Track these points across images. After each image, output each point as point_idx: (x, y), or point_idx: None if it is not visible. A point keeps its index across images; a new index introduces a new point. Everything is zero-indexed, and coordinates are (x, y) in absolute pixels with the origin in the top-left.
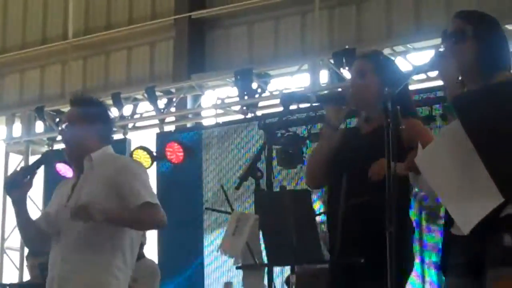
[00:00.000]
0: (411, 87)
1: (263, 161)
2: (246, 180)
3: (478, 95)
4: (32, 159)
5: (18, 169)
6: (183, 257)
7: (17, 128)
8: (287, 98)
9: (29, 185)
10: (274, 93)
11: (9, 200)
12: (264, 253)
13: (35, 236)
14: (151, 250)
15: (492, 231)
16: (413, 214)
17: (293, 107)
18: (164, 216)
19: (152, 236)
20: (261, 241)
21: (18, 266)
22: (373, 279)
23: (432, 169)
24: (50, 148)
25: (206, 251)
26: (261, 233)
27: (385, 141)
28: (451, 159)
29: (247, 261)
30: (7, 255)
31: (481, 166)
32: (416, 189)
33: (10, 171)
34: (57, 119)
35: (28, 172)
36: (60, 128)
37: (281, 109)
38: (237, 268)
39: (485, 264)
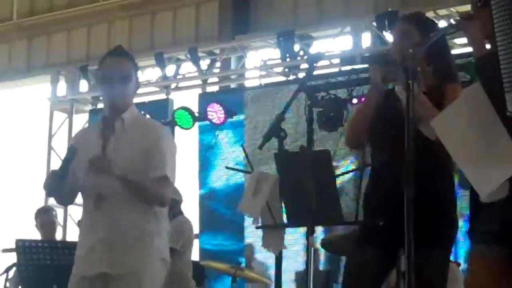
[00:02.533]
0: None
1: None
2: (269, 140)
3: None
4: (76, 117)
5: (51, 173)
6: (224, 217)
7: (62, 87)
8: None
9: (65, 183)
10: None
11: (53, 158)
12: (284, 214)
13: (70, 194)
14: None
15: None
16: None
17: (331, 70)
18: (169, 196)
19: (195, 195)
20: (281, 202)
21: (62, 223)
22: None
23: (449, 131)
24: (94, 107)
25: None
26: (281, 193)
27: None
28: (470, 122)
29: (266, 221)
30: None
31: (502, 129)
32: None
33: (54, 129)
34: None
35: (62, 173)
36: (108, 81)
37: (323, 71)
38: (257, 228)
39: None
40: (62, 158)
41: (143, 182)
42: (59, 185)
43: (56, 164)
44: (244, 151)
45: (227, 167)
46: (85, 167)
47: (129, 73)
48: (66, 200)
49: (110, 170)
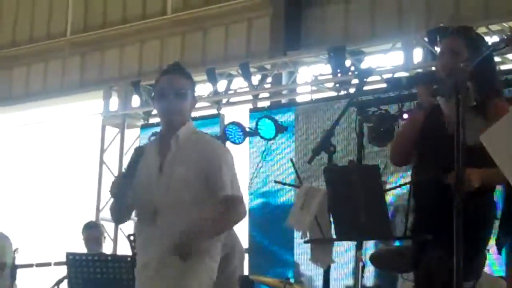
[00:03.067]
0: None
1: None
2: (319, 154)
3: None
4: (128, 132)
5: (119, 175)
6: (274, 234)
7: (114, 102)
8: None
9: (131, 184)
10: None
11: (105, 172)
12: (332, 228)
13: (127, 212)
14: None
15: None
16: None
17: (382, 85)
18: (245, 208)
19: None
20: (330, 216)
21: (112, 237)
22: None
23: (498, 146)
24: (146, 122)
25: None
26: (329, 207)
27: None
28: None
29: (315, 236)
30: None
31: None
32: None
33: (106, 144)
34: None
35: (129, 175)
36: (164, 97)
37: (374, 87)
38: (305, 242)
39: None
40: (129, 160)
41: (216, 220)
42: (125, 188)
43: (108, 179)
44: (293, 165)
45: (275, 181)
46: (144, 183)
47: (184, 89)
48: (122, 215)
49: (195, 251)
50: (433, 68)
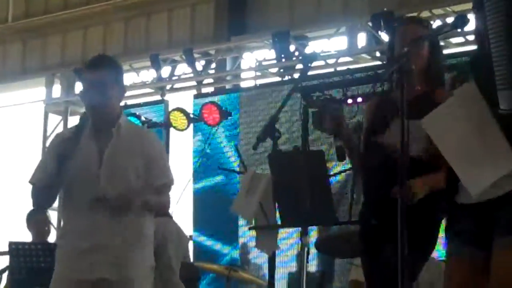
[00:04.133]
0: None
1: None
2: (264, 140)
3: None
4: (71, 119)
5: (65, 139)
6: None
7: (57, 89)
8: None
9: (73, 153)
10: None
11: None
12: (277, 214)
13: (55, 195)
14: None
15: (506, 199)
16: None
17: (326, 70)
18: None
19: (188, 198)
20: (274, 202)
21: (55, 225)
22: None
23: (440, 130)
24: None
25: None
26: (274, 193)
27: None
28: (463, 121)
29: (260, 222)
30: None
31: (496, 128)
32: None
33: (49, 131)
34: None
35: (76, 140)
36: (87, 90)
37: (318, 71)
38: (250, 228)
39: (494, 233)
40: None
41: (154, 198)
42: (70, 152)
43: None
44: (238, 151)
45: (220, 168)
46: (82, 170)
47: (106, 82)
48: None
49: (131, 207)
50: (378, 54)
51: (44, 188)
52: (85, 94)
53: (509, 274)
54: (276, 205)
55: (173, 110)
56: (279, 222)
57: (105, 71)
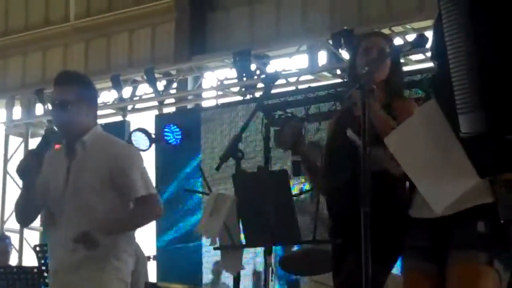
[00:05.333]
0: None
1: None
2: (226, 160)
3: None
4: (32, 141)
5: (28, 154)
6: (182, 240)
7: (17, 111)
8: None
9: (40, 167)
10: (267, 74)
11: (9, 182)
12: (242, 234)
13: (33, 212)
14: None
15: (463, 217)
16: None
17: (288, 88)
18: (160, 207)
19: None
20: (239, 222)
21: (17, 248)
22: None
23: (403, 147)
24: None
25: None
26: (239, 213)
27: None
28: (425, 138)
29: (224, 242)
30: None
31: (457, 145)
32: None
33: (10, 154)
34: None
35: (38, 155)
36: (52, 109)
37: (278, 90)
38: (215, 249)
39: (449, 247)
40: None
41: (123, 219)
42: (34, 168)
43: (12, 189)
44: (202, 173)
45: (186, 190)
46: (53, 187)
47: (70, 99)
48: (28, 212)
49: (96, 244)
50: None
51: (16, 205)
52: (51, 112)
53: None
54: (241, 225)
55: (135, 130)
56: (243, 242)
57: (68, 88)
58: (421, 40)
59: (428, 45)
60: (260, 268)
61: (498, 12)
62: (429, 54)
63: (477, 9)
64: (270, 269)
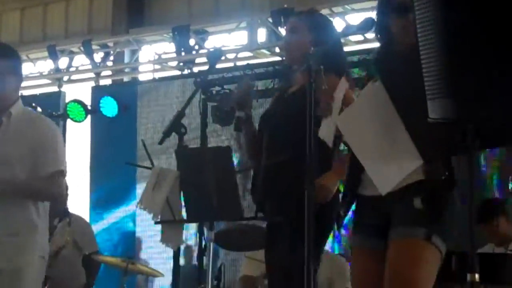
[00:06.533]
0: (348, 48)
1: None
2: (169, 135)
3: (402, 56)
4: None
5: None
6: (116, 214)
7: None
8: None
9: None
10: (211, 50)
11: None
12: (183, 209)
13: None
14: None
15: (402, 194)
16: None
17: (226, 65)
18: (62, 188)
19: (85, 189)
20: (181, 197)
21: None
22: (293, 239)
23: (351, 128)
24: None
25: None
26: (181, 189)
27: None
28: (372, 120)
29: (166, 217)
30: None
31: (402, 128)
32: None
33: None
34: None
35: None
36: None
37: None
38: (156, 223)
39: (391, 224)
40: None
41: (31, 183)
42: None
43: None
44: (145, 147)
45: (127, 163)
46: None
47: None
48: None
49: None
50: (277, 49)
51: None
52: None
53: (400, 263)
54: (183, 200)
55: (70, 101)
56: (185, 217)
57: (1, 60)
58: (367, 24)
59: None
60: (191, 241)
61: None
62: (368, 35)
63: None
64: (211, 244)
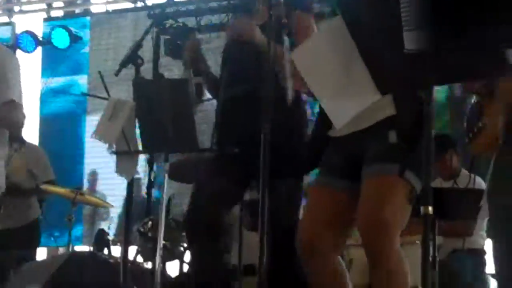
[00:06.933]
0: None
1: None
2: (126, 66)
3: None
4: None
5: None
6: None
7: None
8: None
9: None
10: None
11: None
12: (139, 140)
13: None
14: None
15: (376, 129)
16: None
17: None
18: (20, 117)
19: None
20: (137, 128)
21: None
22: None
23: (308, 64)
24: None
25: (87, 132)
26: (137, 120)
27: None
28: (330, 55)
29: (121, 147)
30: None
31: (361, 63)
32: None
33: None
34: None
35: None
36: None
37: None
38: (111, 153)
39: (362, 163)
40: None
41: None
42: None
43: None
44: (101, 78)
45: (83, 93)
46: None
47: None
48: None
49: None
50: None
51: None
52: None
53: (372, 201)
54: (138, 131)
55: (22, 32)
56: (140, 149)
57: None
58: None
59: None
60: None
61: None
62: None
63: None
64: (166, 175)
